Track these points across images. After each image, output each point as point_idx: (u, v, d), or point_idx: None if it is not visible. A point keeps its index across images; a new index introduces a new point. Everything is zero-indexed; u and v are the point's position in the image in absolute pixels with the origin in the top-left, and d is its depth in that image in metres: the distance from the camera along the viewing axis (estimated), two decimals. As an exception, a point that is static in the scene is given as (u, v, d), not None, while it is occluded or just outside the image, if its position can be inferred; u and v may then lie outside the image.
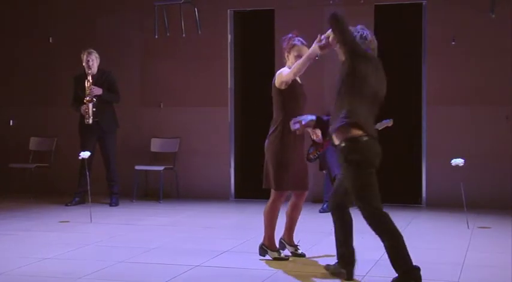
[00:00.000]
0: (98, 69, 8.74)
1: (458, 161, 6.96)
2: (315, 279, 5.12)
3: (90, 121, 8.56)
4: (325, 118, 5.45)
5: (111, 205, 8.74)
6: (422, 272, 5.16)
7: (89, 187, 7.79)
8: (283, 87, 5.52)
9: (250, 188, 9.65)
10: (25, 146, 9.82)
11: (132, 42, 9.64)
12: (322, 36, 5.19)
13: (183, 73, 9.33)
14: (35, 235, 6.81)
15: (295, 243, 5.77)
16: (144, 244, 6.28)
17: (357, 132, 4.69)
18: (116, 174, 8.84)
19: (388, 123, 8.11)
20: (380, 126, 8.20)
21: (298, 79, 5.61)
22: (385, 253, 5.80)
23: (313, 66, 8.87)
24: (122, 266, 5.48)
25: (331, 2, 8.80)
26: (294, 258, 5.67)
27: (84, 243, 6.33)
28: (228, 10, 9.40)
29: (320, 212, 8.16)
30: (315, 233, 6.84)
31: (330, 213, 8.02)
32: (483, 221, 7.46)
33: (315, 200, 8.79)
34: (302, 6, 9.08)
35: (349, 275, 4.98)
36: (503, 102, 8.45)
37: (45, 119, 9.95)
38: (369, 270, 5.26)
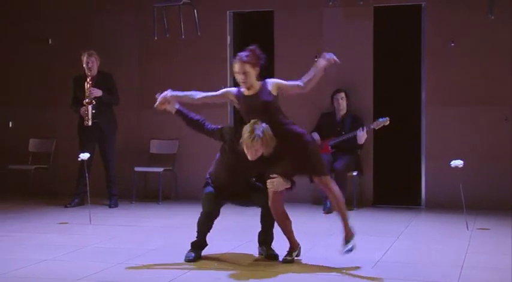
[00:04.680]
0: (98, 71, 8.72)
1: (457, 163, 6.95)
2: (312, 280, 5.13)
3: (90, 123, 8.54)
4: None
5: (110, 207, 8.73)
6: (422, 274, 5.17)
7: (88, 188, 7.79)
8: None
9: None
10: (24, 148, 9.81)
11: (132, 43, 9.64)
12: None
13: (182, 74, 9.32)
14: (34, 237, 6.80)
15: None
16: (143, 246, 6.27)
17: None
18: (115, 175, 8.83)
19: (385, 121, 8.10)
20: (377, 125, 8.19)
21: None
22: (385, 254, 5.82)
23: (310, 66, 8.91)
24: (121, 267, 5.47)
25: (330, 3, 8.79)
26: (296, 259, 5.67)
27: (83, 245, 6.32)
28: (227, 11, 9.40)
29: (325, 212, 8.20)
30: (313, 235, 6.84)
31: (331, 214, 8.08)
32: (482, 222, 7.45)
33: (315, 202, 8.79)
34: (301, 8, 9.07)
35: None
36: (503, 104, 8.44)
37: (45, 121, 9.94)
38: (368, 271, 5.25)
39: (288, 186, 5.50)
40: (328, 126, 8.62)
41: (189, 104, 5.78)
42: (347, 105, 8.57)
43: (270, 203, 5.51)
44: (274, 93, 5.53)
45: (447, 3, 8.60)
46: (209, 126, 5.70)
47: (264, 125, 5.31)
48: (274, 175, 5.42)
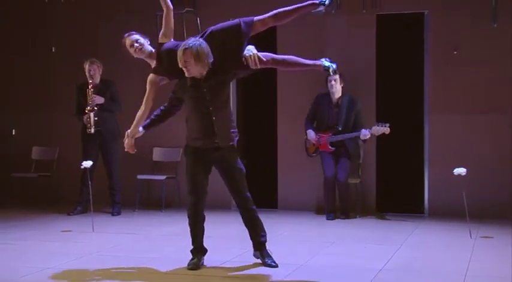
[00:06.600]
0: (101, 79, 8.74)
1: (460, 171, 6.96)
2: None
3: (92, 131, 8.56)
4: None
5: (113, 214, 8.74)
6: (425, 282, 5.18)
7: (91, 196, 7.79)
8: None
9: (251, 197, 9.62)
10: (27, 155, 9.83)
11: (135, 51, 9.64)
12: None
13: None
14: (37, 244, 6.81)
15: None
16: (146, 253, 6.28)
17: None
18: (118, 183, 8.85)
19: (385, 130, 8.05)
20: (376, 132, 8.14)
21: None
22: (388, 263, 5.81)
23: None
24: (124, 275, 5.47)
25: (333, 11, 8.79)
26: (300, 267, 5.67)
27: (86, 253, 6.32)
28: (230, 19, 9.39)
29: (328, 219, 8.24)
30: (315, 244, 6.84)
31: (334, 222, 8.08)
32: (486, 230, 7.45)
33: (318, 210, 8.77)
34: (304, 15, 9.05)
35: None
36: (506, 111, 8.44)
37: (48, 128, 9.96)
38: (372, 280, 5.24)
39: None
40: (325, 108, 8.46)
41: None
42: (342, 87, 8.47)
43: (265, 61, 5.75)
44: None
45: (450, 11, 8.61)
46: (165, 104, 6.01)
47: (201, 40, 5.51)
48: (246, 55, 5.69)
